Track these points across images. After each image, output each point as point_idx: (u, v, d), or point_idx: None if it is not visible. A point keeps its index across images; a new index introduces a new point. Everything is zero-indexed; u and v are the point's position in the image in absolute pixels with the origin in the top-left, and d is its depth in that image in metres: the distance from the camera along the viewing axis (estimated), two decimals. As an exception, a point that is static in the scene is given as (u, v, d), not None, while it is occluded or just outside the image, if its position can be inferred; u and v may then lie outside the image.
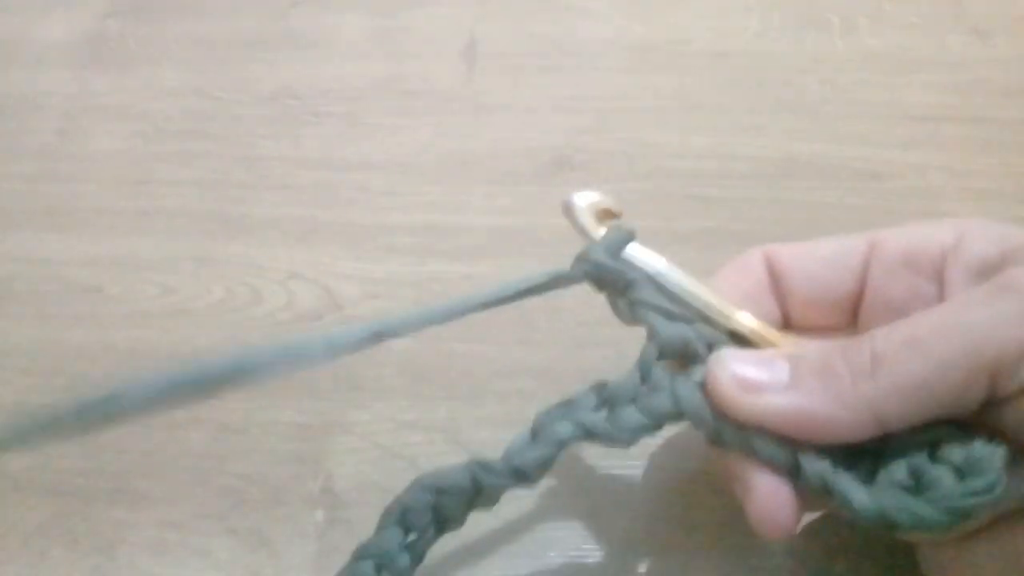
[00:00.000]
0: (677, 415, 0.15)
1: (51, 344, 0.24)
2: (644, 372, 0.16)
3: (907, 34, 0.30)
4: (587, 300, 0.17)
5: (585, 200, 0.17)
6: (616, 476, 0.20)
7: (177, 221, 0.27)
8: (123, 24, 0.33)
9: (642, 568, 0.18)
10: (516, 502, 0.19)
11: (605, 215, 0.17)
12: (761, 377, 0.14)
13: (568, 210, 0.17)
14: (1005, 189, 0.25)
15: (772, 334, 0.16)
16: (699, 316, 0.16)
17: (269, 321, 0.24)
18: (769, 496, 0.15)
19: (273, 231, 0.26)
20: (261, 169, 0.28)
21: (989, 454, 0.14)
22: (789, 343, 0.16)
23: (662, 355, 0.16)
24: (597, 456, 0.20)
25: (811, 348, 0.15)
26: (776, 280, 0.17)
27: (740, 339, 0.16)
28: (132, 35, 0.33)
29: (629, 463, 0.20)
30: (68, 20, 0.33)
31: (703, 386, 0.15)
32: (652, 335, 0.16)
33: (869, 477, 0.15)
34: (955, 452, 0.14)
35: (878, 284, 0.17)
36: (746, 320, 0.16)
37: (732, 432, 0.15)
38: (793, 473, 0.15)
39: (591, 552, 0.19)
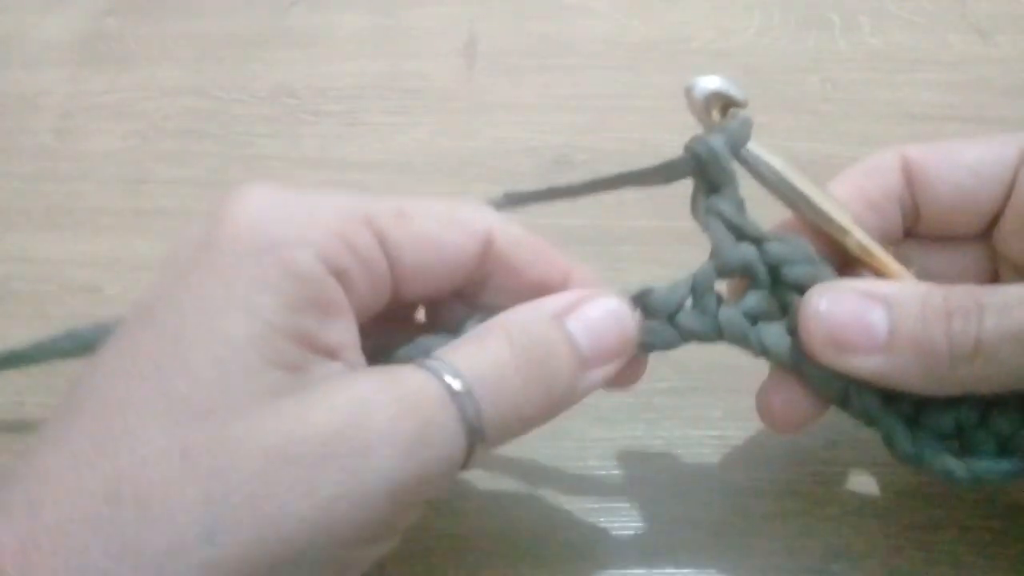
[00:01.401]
0: (717, 338, 0.15)
1: (50, 344, 0.24)
2: (697, 291, 0.15)
3: (909, 33, 0.30)
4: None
5: (708, 86, 0.16)
6: (617, 476, 0.20)
7: (176, 221, 0.27)
8: (121, 23, 0.33)
9: (644, 568, 0.18)
10: (517, 503, 0.19)
11: (726, 105, 0.16)
12: (856, 338, 0.14)
13: (688, 96, 0.16)
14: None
15: (878, 254, 0.15)
16: (809, 225, 0.16)
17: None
18: (785, 403, 0.15)
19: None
20: (260, 168, 0.28)
21: None
22: (894, 267, 0.16)
23: (720, 274, 0.16)
24: (598, 457, 0.20)
25: (915, 293, 0.14)
26: (913, 185, 0.16)
27: (842, 253, 0.16)
28: (130, 34, 0.32)
29: (630, 463, 0.20)
30: (66, 19, 0.33)
31: (753, 312, 0.15)
32: (715, 251, 0.16)
33: (913, 413, 0.15)
34: (1005, 423, 0.14)
35: (1023, 201, 0.15)
36: (854, 239, 0.15)
37: (784, 356, 0.15)
38: (841, 401, 0.15)
39: (592, 553, 0.19)
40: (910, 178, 0.17)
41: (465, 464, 0.13)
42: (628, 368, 0.16)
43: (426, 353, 0.14)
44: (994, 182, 0.16)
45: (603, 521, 0.19)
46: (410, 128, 0.28)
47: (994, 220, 0.16)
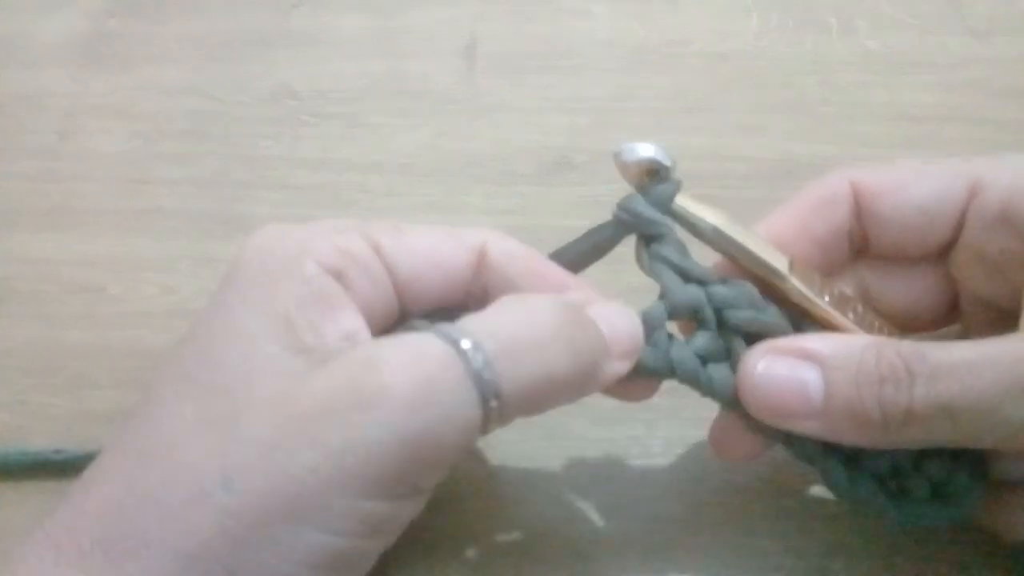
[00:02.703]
0: (669, 376, 0.16)
1: (51, 344, 0.24)
2: (647, 328, 0.16)
3: (906, 35, 0.30)
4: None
5: (632, 156, 0.16)
6: (616, 476, 0.20)
7: (177, 221, 0.27)
8: (123, 23, 0.33)
9: (643, 568, 0.18)
10: (518, 503, 0.19)
11: (654, 170, 0.17)
12: (792, 404, 0.15)
13: (616, 160, 0.17)
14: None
15: (816, 303, 0.16)
16: (747, 272, 0.16)
17: (269, 321, 0.24)
18: (730, 438, 0.16)
19: (272, 230, 0.26)
20: (261, 169, 0.28)
21: (967, 490, 0.15)
22: (832, 315, 0.16)
23: (671, 316, 0.16)
24: (598, 458, 0.20)
25: (850, 354, 0.14)
26: (862, 218, 0.16)
27: (778, 291, 0.16)
28: (132, 34, 0.33)
29: (630, 464, 0.20)
30: (68, 19, 0.33)
31: (701, 352, 0.16)
32: (664, 293, 0.16)
33: (853, 453, 0.15)
34: (938, 469, 0.15)
35: (974, 237, 0.16)
36: (791, 286, 0.16)
37: (728, 399, 0.16)
38: (782, 442, 0.16)
39: (592, 553, 0.19)
40: (859, 211, 0.17)
41: (486, 422, 0.14)
42: (643, 385, 0.16)
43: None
44: (944, 219, 0.16)
45: (603, 521, 0.19)
46: (411, 129, 0.29)
47: (948, 247, 0.16)
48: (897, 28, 0.31)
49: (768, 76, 0.29)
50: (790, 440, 0.16)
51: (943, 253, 0.17)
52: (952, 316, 0.17)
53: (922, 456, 0.15)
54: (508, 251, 0.16)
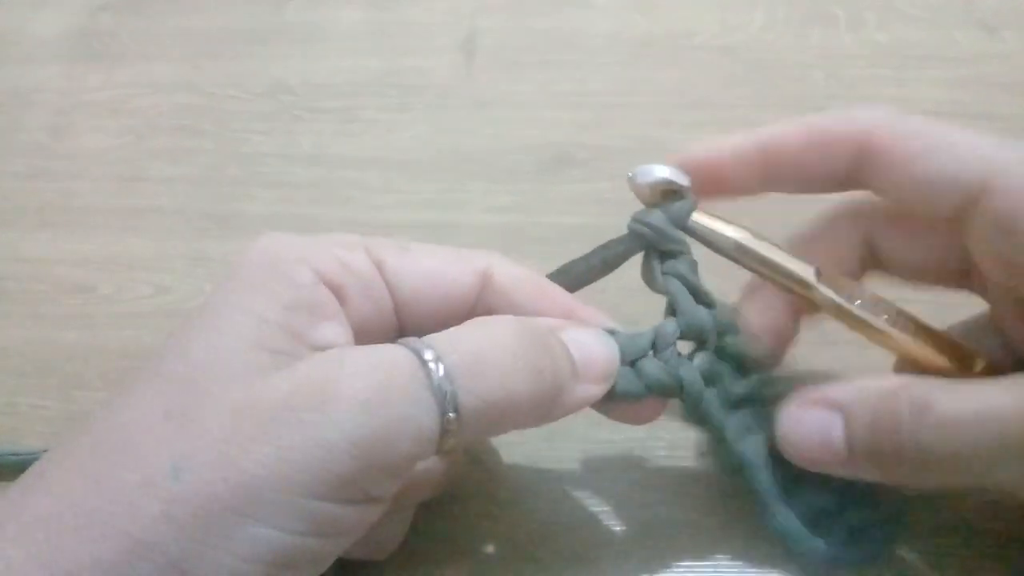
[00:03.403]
0: (676, 393, 0.16)
1: (43, 344, 0.24)
2: (659, 344, 0.16)
3: (914, 28, 0.30)
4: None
5: (648, 178, 0.16)
6: (618, 478, 0.20)
7: (170, 219, 0.26)
8: (115, 18, 0.33)
9: (645, 571, 0.18)
10: (518, 505, 0.19)
11: (669, 191, 0.17)
12: (821, 456, 0.15)
13: (632, 184, 0.17)
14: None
15: (846, 308, 0.16)
16: (775, 285, 0.16)
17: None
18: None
19: (268, 229, 0.26)
20: (255, 166, 0.28)
21: (883, 538, 0.16)
22: (862, 317, 0.16)
23: (683, 335, 0.17)
24: (599, 459, 0.20)
25: (868, 400, 0.15)
26: (865, 171, 0.16)
27: (808, 302, 0.16)
28: (124, 29, 0.32)
29: (631, 467, 0.20)
30: (59, 14, 0.33)
31: (703, 369, 0.16)
32: (676, 312, 0.17)
33: (791, 489, 0.17)
34: (856, 517, 0.16)
35: (981, 231, 0.15)
36: (819, 294, 0.16)
37: (711, 425, 0.17)
38: (737, 472, 0.17)
39: (593, 555, 0.18)
40: (864, 165, 0.16)
41: (443, 437, 0.14)
42: (644, 409, 0.17)
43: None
44: (955, 199, 0.15)
45: (604, 524, 0.19)
46: (408, 125, 0.28)
47: (960, 218, 0.16)
48: (906, 22, 0.30)
49: (774, 70, 0.29)
50: (741, 467, 0.17)
51: (955, 220, 0.16)
52: (965, 277, 0.17)
53: (844, 504, 0.17)
54: (513, 275, 0.16)
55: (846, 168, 0.16)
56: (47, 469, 0.13)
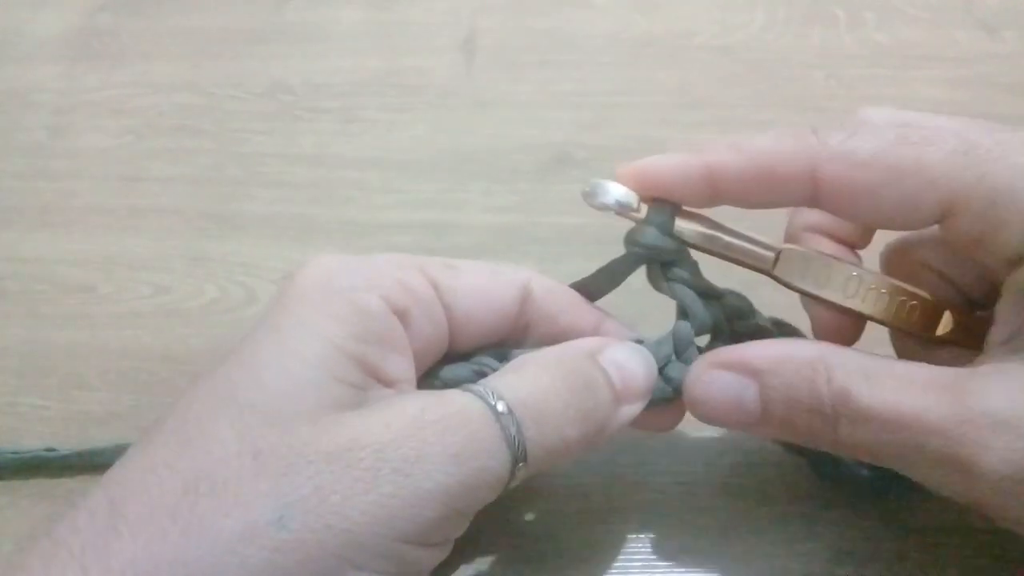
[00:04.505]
0: None
1: (43, 344, 0.24)
2: (679, 347, 0.17)
3: (914, 29, 0.30)
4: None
5: (597, 200, 0.16)
6: (619, 479, 0.20)
7: (170, 219, 0.26)
8: (115, 18, 0.33)
9: (645, 571, 0.18)
10: (518, 506, 0.19)
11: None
12: (732, 414, 0.15)
13: (589, 200, 0.17)
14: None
15: (804, 291, 0.16)
16: (747, 264, 0.17)
17: (264, 321, 0.24)
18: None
19: (268, 229, 0.26)
20: (255, 166, 0.27)
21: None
22: (823, 296, 0.16)
23: (698, 334, 0.17)
24: (600, 460, 0.20)
25: (787, 370, 0.15)
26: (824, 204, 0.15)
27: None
28: (124, 29, 0.32)
29: (633, 467, 0.20)
30: (59, 14, 0.33)
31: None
32: (688, 313, 0.17)
33: None
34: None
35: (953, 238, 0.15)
36: (776, 277, 0.16)
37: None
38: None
39: (594, 556, 0.18)
40: (819, 199, 0.15)
41: (509, 482, 0.15)
42: (669, 413, 0.17)
43: (445, 383, 0.16)
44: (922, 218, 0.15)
45: (605, 524, 0.19)
46: (408, 125, 0.28)
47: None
48: (906, 22, 0.30)
49: (774, 70, 0.29)
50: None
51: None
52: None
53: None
54: (550, 289, 0.17)
55: (799, 199, 0.15)
56: (126, 506, 0.13)
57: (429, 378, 0.17)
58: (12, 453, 0.20)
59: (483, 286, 0.16)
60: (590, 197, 0.16)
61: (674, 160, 0.16)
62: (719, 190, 0.16)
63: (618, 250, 0.24)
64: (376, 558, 0.13)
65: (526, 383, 0.15)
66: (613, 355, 0.16)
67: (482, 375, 0.16)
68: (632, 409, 0.16)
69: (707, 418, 0.16)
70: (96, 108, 0.29)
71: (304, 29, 0.32)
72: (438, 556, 0.15)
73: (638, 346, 0.17)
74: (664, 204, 0.16)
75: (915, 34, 0.30)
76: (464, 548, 0.18)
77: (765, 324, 0.17)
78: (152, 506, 0.13)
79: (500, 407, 0.14)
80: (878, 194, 0.14)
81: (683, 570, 0.18)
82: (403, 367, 0.15)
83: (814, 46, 0.29)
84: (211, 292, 0.24)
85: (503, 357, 0.17)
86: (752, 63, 0.29)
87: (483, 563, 0.18)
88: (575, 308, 0.17)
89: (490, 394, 0.15)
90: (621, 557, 0.18)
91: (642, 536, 0.19)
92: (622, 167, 0.16)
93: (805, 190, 0.15)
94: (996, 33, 0.29)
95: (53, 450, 0.20)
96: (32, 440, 0.21)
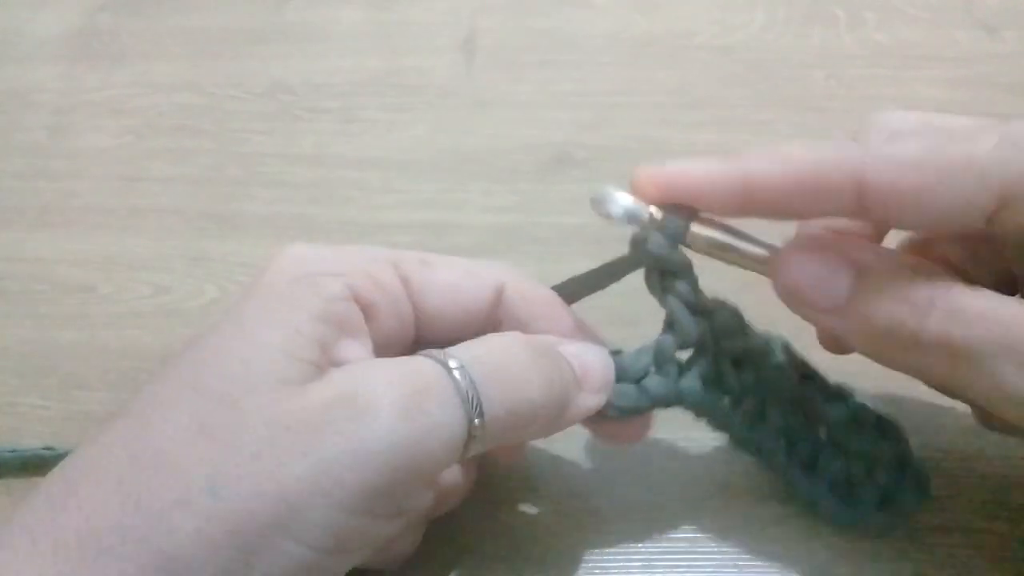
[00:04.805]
0: (677, 403, 0.17)
1: (43, 344, 0.24)
2: (659, 360, 0.17)
3: (914, 29, 0.30)
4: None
5: (605, 209, 0.16)
6: (619, 480, 0.20)
7: (170, 219, 0.26)
8: (114, 18, 0.33)
9: (645, 571, 0.18)
10: (518, 506, 0.19)
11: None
12: (817, 298, 0.15)
13: (598, 209, 0.16)
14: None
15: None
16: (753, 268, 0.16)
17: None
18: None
19: (268, 229, 0.26)
20: (255, 166, 0.27)
21: (909, 503, 0.17)
22: None
23: (680, 347, 0.17)
24: (599, 460, 0.20)
25: (886, 268, 0.14)
26: (870, 214, 0.15)
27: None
28: (124, 29, 0.32)
29: (632, 467, 0.20)
30: (59, 15, 0.33)
31: (704, 373, 0.17)
32: (675, 326, 0.17)
33: (811, 460, 0.17)
34: (888, 480, 0.17)
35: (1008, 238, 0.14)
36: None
37: (720, 422, 0.17)
38: (753, 452, 0.18)
39: (593, 556, 0.18)
40: (865, 210, 0.15)
41: (467, 444, 0.14)
42: (635, 426, 0.17)
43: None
44: (969, 223, 0.14)
45: (604, 525, 0.19)
46: (408, 125, 0.28)
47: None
48: (906, 22, 0.30)
49: (774, 70, 0.29)
50: (760, 451, 0.17)
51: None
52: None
53: (874, 461, 0.17)
54: (523, 293, 0.17)
55: (843, 211, 0.15)
56: (78, 482, 0.13)
57: None
58: (11, 452, 0.20)
59: (456, 284, 0.16)
60: (598, 205, 0.16)
61: (706, 167, 0.15)
62: (755, 200, 0.15)
63: (618, 250, 0.24)
64: (313, 528, 0.12)
65: (487, 347, 0.15)
66: (572, 348, 0.16)
67: None
68: (591, 400, 0.16)
69: (789, 296, 0.15)
70: (96, 108, 0.29)
71: (304, 29, 0.32)
72: (390, 528, 0.14)
73: (596, 345, 0.17)
74: (681, 212, 0.16)
75: (915, 34, 0.30)
76: (462, 548, 0.18)
77: (758, 343, 0.17)
78: (100, 481, 0.13)
79: (452, 363, 0.14)
80: (930, 195, 0.14)
81: (683, 570, 0.18)
82: (357, 353, 0.15)
83: (814, 46, 0.29)
84: (211, 292, 0.24)
85: None
86: (752, 63, 0.29)
87: (482, 564, 0.18)
88: (549, 316, 0.17)
89: (442, 354, 0.14)
90: (621, 557, 0.18)
91: (642, 536, 0.19)
92: (642, 170, 0.16)
93: (850, 199, 0.14)
94: (996, 33, 0.29)
95: (52, 449, 0.20)
96: (32, 440, 0.21)
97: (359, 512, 0.13)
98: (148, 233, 0.26)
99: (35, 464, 0.20)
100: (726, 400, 0.17)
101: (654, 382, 0.17)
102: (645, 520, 0.19)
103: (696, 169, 0.15)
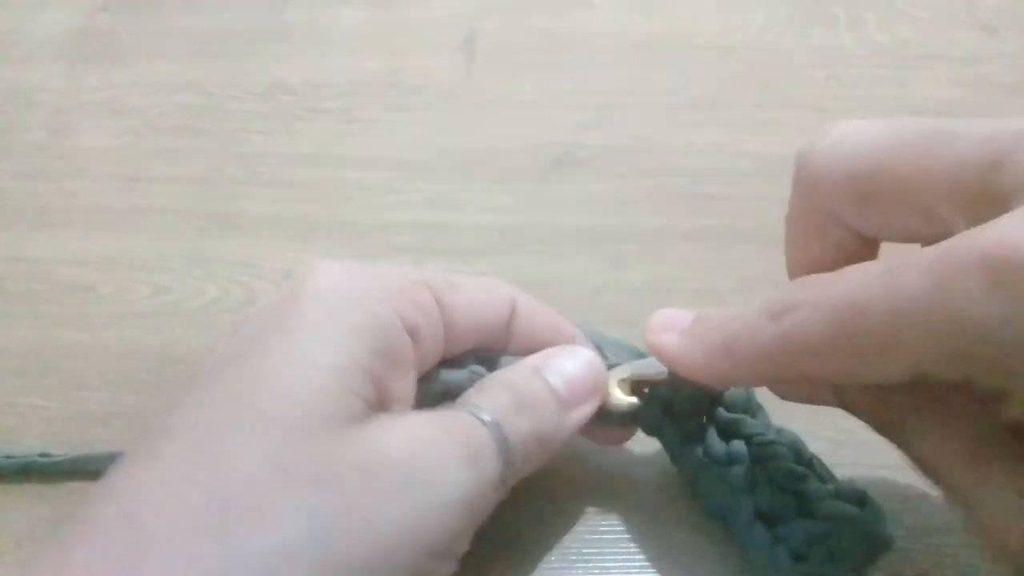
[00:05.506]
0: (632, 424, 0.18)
1: (43, 344, 0.24)
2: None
3: (915, 29, 0.30)
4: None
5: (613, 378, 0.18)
6: (617, 479, 0.20)
7: (170, 219, 0.26)
8: (115, 18, 0.33)
9: (645, 571, 0.18)
10: (516, 506, 0.19)
11: (633, 387, 0.18)
12: (708, 366, 0.15)
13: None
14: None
15: None
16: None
17: (264, 321, 0.23)
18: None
19: (268, 229, 0.26)
20: (255, 166, 0.27)
21: (864, 558, 0.17)
22: None
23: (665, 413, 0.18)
24: (597, 460, 0.20)
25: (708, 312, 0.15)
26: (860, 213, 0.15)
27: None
28: (124, 29, 0.32)
29: (630, 467, 0.20)
30: (59, 15, 0.33)
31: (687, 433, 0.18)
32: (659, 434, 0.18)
33: (773, 527, 0.17)
34: (843, 540, 0.17)
35: None
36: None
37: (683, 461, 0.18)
38: (719, 515, 0.18)
39: (591, 556, 0.18)
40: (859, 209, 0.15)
41: (502, 487, 0.15)
42: (619, 432, 0.18)
43: (445, 385, 0.17)
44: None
45: (603, 525, 0.19)
46: (409, 125, 0.28)
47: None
48: (906, 22, 0.30)
49: (775, 70, 0.29)
50: (727, 512, 0.18)
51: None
52: None
53: (832, 530, 0.17)
54: (532, 308, 0.18)
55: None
56: (148, 521, 0.12)
57: (426, 380, 0.17)
58: (6, 457, 0.20)
59: (479, 303, 0.17)
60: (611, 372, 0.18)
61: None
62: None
63: (619, 249, 0.24)
64: (404, 572, 0.13)
65: (494, 401, 0.16)
66: (555, 364, 0.17)
67: (472, 382, 0.17)
68: (584, 410, 0.17)
69: (675, 367, 0.16)
70: (96, 108, 0.29)
71: (304, 29, 0.32)
72: (452, 567, 0.15)
73: (581, 350, 0.17)
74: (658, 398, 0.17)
75: (915, 34, 0.30)
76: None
77: (759, 430, 0.18)
78: (179, 524, 0.12)
79: (487, 418, 0.15)
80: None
81: (683, 570, 0.18)
82: (406, 386, 0.15)
83: (814, 46, 0.29)
84: (211, 292, 0.24)
85: (491, 363, 0.17)
86: (752, 63, 0.29)
87: (482, 564, 0.18)
88: (552, 326, 0.18)
89: (476, 410, 0.15)
90: (621, 557, 0.18)
91: (642, 536, 0.19)
92: (654, 335, 0.16)
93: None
94: (996, 33, 0.29)
95: (48, 455, 0.20)
96: (31, 440, 0.21)
97: (439, 556, 0.14)
98: (148, 233, 0.26)
99: (31, 469, 0.20)
100: (699, 451, 0.18)
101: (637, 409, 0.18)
102: (642, 517, 0.19)
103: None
